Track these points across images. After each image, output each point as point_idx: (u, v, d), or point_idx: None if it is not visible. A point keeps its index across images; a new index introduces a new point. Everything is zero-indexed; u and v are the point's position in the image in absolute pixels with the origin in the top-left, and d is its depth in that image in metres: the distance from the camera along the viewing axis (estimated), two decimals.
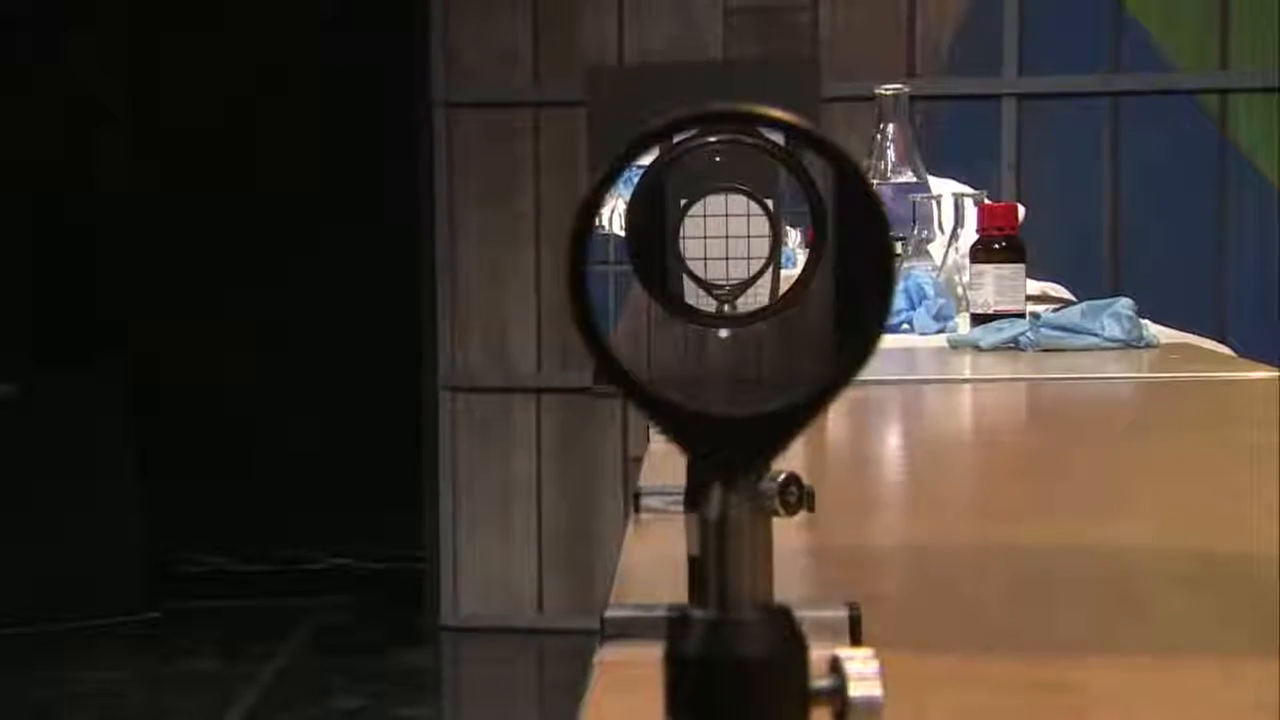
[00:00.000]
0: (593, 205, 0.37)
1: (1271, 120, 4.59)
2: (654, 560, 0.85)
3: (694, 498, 0.41)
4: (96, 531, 5.02)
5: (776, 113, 0.37)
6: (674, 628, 0.40)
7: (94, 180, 6.52)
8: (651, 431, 1.15)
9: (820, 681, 0.40)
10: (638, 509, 0.95)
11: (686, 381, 1.10)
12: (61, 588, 4.93)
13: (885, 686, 0.41)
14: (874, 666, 0.41)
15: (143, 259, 6.56)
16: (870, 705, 0.40)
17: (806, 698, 0.40)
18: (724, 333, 1.08)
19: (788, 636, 0.40)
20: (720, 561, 0.40)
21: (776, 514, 0.62)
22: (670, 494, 0.95)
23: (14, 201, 6.19)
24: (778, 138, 0.87)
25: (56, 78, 6.36)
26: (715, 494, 0.40)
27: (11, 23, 6.09)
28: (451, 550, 4.98)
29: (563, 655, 4.66)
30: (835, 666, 0.41)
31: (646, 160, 0.92)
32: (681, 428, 0.39)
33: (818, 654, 0.41)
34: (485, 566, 4.98)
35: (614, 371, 0.37)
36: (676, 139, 0.97)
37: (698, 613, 0.40)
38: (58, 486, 5.00)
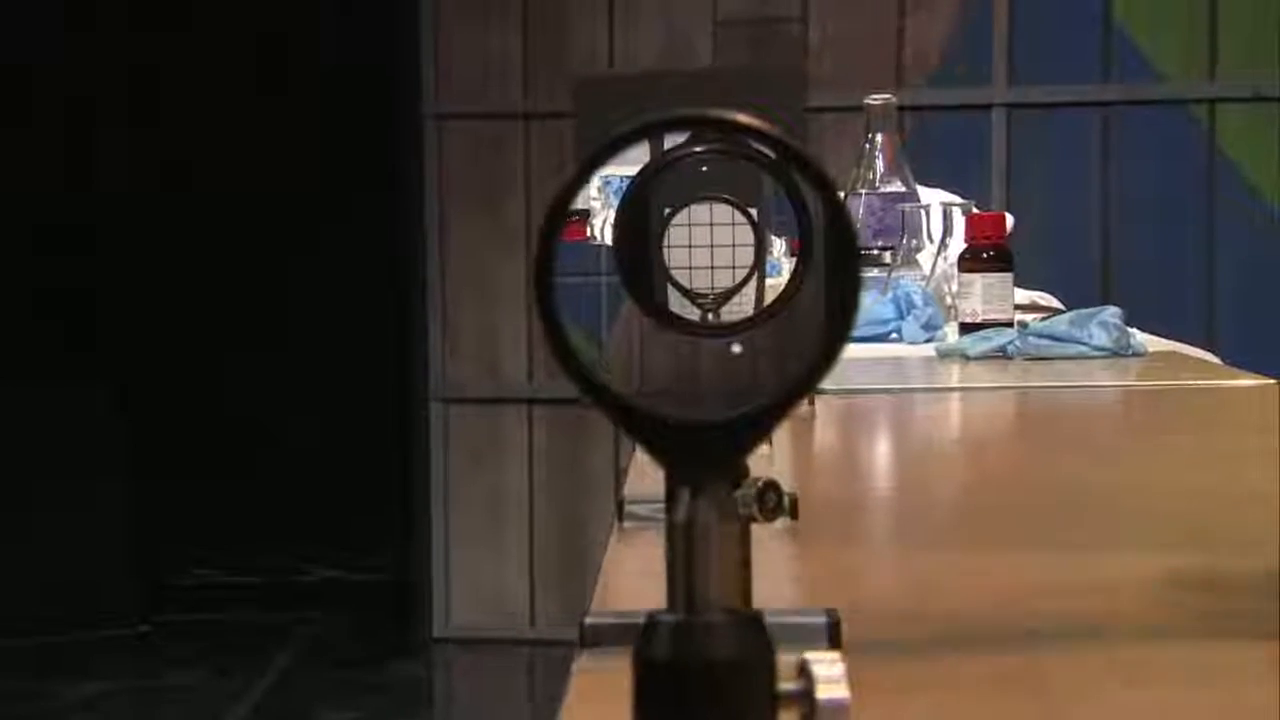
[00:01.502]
0: (561, 206, 0.37)
1: (1261, 130, 4.59)
2: (637, 568, 0.85)
3: (670, 509, 0.41)
4: (88, 543, 5.01)
5: (742, 118, 0.37)
6: (643, 631, 0.40)
7: (94, 180, 6.52)
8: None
9: (788, 684, 0.40)
10: (622, 518, 0.95)
11: (678, 391, 1.10)
12: (52, 600, 4.92)
13: (853, 689, 0.41)
14: (840, 669, 0.41)
15: (136, 263, 6.56)
16: (837, 708, 0.40)
17: (774, 700, 0.40)
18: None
19: (754, 639, 0.40)
20: (688, 565, 0.40)
21: (755, 520, 0.62)
22: (654, 502, 0.95)
23: (13, 201, 6.19)
24: (764, 147, 0.87)
25: (57, 77, 6.36)
26: (682, 498, 0.40)
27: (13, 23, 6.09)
28: (443, 562, 4.97)
29: (555, 666, 4.65)
30: (803, 670, 0.41)
31: (634, 170, 0.92)
32: (643, 431, 0.39)
33: (786, 658, 0.41)
34: (477, 578, 4.97)
35: (577, 374, 0.37)
36: (664, 148, 0.97)
37: (666, 616, 0.40)
38: (48, 497, 4.98)
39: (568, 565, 4.90)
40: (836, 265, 0.37)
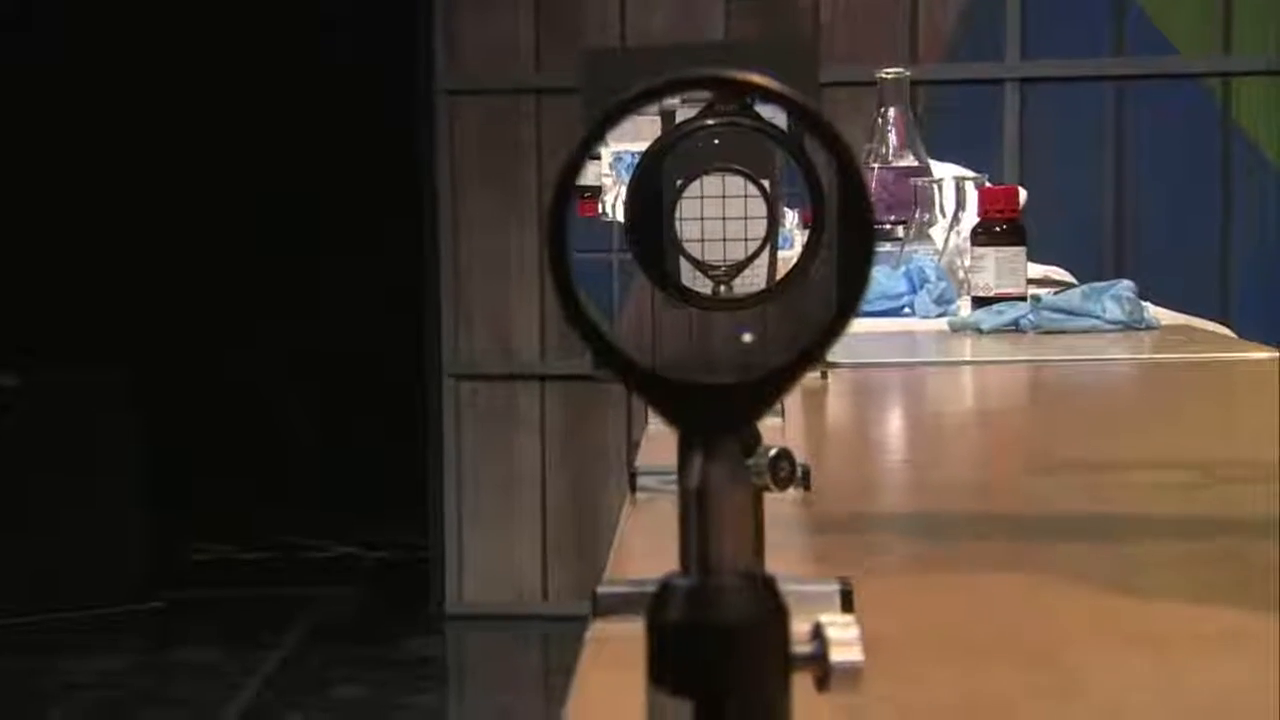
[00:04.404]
0: (574, 167, 0.37)
1: (1275, 103, 4.58)
2: (649, 539, 0.85)
3: (682, 473, 0.41)
4: (99, 521, 5.02)
5: (749, 77, 0.36)
6: (656, 595, 0.40)
7: (96, 174, 6.52)
8: (649, 413, 1.15)
9: (801, 647, 0.40)
10: (634, 489, 0.95)
11: (691, 362, 1.10)
12: (64, 577, 4.93)
13: (866, 654, 0.40)
14: (855, 632, 0.40)
15: (145, 251, 6.57)
16: (851, 670, 0.40)
17: (788, 663, 0.40)
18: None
19: (768, 602, 0.40)
20: (701, 528, 0.40)
21: (768, 489, 0.62)
22: (666, 474, 0.95)
23: (16, 193, 6.20)
24: (777, 118, 0.87)
25: (59, 75, 6.36)
26: (695, 462, 0.40)
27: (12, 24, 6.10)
28: (456, 538, 4.98)
29: (568, 641, 4.65)
30: (817, 632, 0.40)
31: (646, 146, 0.92)
32: (654, 393, 0.38)
33: (800, 622, 0.41)
34: (490, 554, 4.98)
35: (590, 336, 0.37)
36: (676, 121, 0.97)
37: (680, 580, 0.40)
38: (60, 476, 4.99)
39: (580, 540, 4.91)
40: (849, 222, 0.37)
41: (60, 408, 5.09)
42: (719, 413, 0.39)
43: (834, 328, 0.39)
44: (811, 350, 0.39)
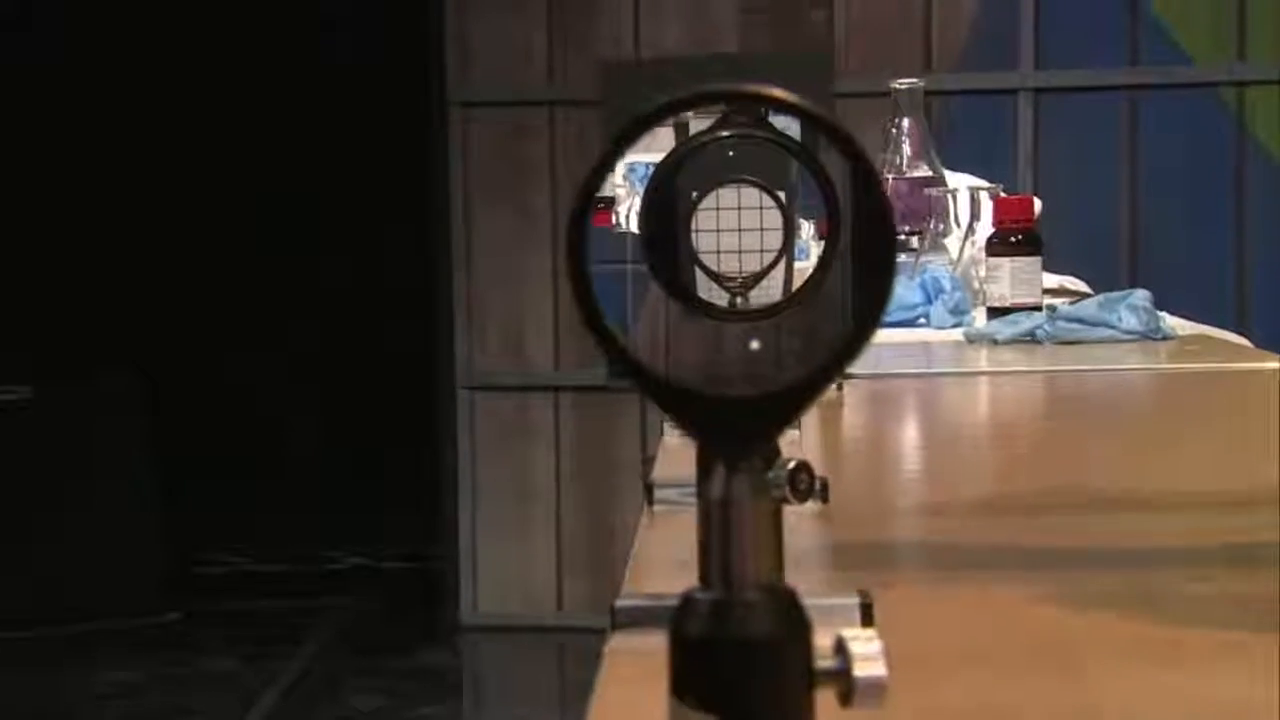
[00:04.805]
0: (594, 183, 0.37)
1: None
2: (667, 552, 0.85)
3: (704, 487, 0.41)
4: (115, 533, 5.02)
5: (772, 91, 0.36)
6: (679, 609, 0.40)
7: (96, 175, 6.52)
8: (665, 425, 1.15)
9: (825, 662, 0.40)
10: (651, 502, 0.95)
11: (706, 373, 1.10)
12: (81, 589, 4.93)
13: (890, 667, 0.40)
14: (877, 646, 0.40)
15: (152, 261, 6.57)
16: (875, 685, 0.40)
17: (811, 678, 0.40)
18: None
19: (791, 616, 0.39)
20: (724, 542, 0.40)
21: (787, 501, 0.62)
22: (683, 486, 0.95)
23: (23, 202, 6.20)
24: (791, 129, 0.87)
25: (60, 78, 6.37)
26: (718, 475, 0.40)
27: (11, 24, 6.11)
28: (471, 549, 4.98)
29: (583, 653, 4.65)
30: (840, 647, 0.40)
31: (660, 156, 0.92)
32: (679, 407, 0.38)
33: (820, 636, 0.41)
34: (504, 565, 4.97)
35: (615, 351, 0.37)
36: (690, 134, 0.97)
37: (703, 594, 0.40)
38: (77, 488, 5.00)
39: (594, 551, 4.90)
40: (869, 232, 0.37)
41: (74, 420, 5.09)
42: (741, 426, 0.39)
43: (856, 341, 0.39)
44: (833, 364, 0.39)
